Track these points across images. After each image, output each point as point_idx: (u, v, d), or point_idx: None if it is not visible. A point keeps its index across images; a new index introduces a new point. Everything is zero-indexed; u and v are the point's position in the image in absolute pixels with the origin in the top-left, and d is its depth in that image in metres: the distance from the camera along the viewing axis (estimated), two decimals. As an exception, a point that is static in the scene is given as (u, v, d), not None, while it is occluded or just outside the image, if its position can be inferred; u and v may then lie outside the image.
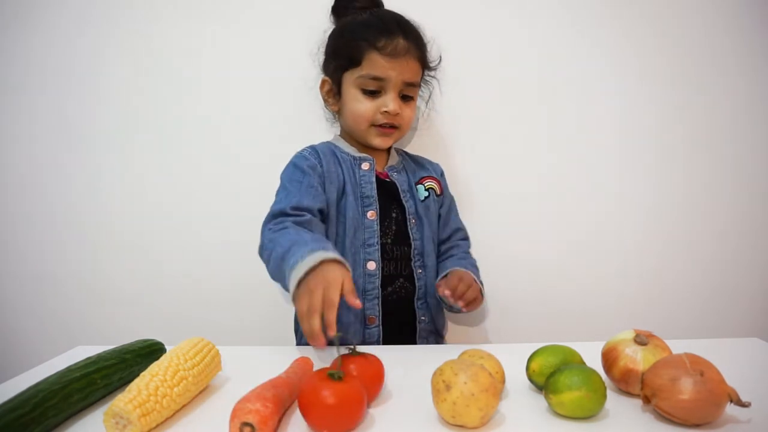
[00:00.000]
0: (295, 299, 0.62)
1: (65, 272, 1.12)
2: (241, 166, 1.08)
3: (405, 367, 0.68)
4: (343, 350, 0.60)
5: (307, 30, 0.96)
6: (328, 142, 0.93)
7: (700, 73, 1.05)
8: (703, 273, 1.08)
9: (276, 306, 1.09)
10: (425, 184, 0.94)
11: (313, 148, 0.89)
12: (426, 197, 0.93)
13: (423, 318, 0.88)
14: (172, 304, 1.11)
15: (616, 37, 1.05)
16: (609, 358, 0.59)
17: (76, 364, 0.59)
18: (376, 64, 0.82)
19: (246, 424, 0.49)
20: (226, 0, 1.05)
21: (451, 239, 0.96)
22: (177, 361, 0.57)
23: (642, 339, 0.59)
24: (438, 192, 0.95)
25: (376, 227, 0.86)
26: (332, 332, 0.56)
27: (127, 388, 0.52)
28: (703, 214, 1.07)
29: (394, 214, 0.88)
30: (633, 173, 1.06)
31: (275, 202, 0.82)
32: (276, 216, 0.77)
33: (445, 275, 0.84)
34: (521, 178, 1.07)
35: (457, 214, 1.00)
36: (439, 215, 0.96)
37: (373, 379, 0.58)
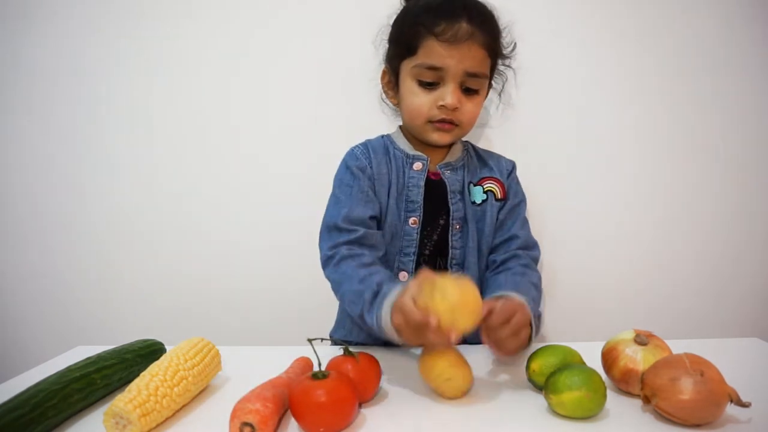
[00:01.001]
0: (399, 335, 0.60)
1: (65, 272, 1.12)
2: (247, 168, 1.08)
3: (403, 367, 0.68)
4: (337, 350, 0.61)
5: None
6: (386, 136, 0.86)
7: (701, 74, 1.04)
8: (703, 273, 1.07)
9: (276, 306, 1.09)
10: (484, 186, 0.83)
11: (365, 145, 0.83)
12: (483, 201, 0.82)
13: None
14: (172, 304, 1.11)
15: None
16: (609, 358, 0.59)
17: (76, 364, 0.59)
18: (432, 51, 0.73)
19: (246, 424, 0.49)
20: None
21: (506, 248, 0.82)
22: (177, 361, 0.57)
23: (642, 339, 0.59)
24: (499, 195, 0.83)
25: (416, 236, 0.79)
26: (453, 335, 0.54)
27: (127, 388, 0.52)
28: (703, 214, 1.07)
29: (441, 221, 0.80)
30: (633, 174, 1.06)
31: (327, 213, 0.78)
32: (330, 230, 0.75)
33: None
34: (528, 177, 1.06)
35: (522, 220, 0.85)
36: (497, 219, 0.83)
37: (369, 378, 0.58)
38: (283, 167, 1.07)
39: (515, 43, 0.83)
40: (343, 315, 0.86)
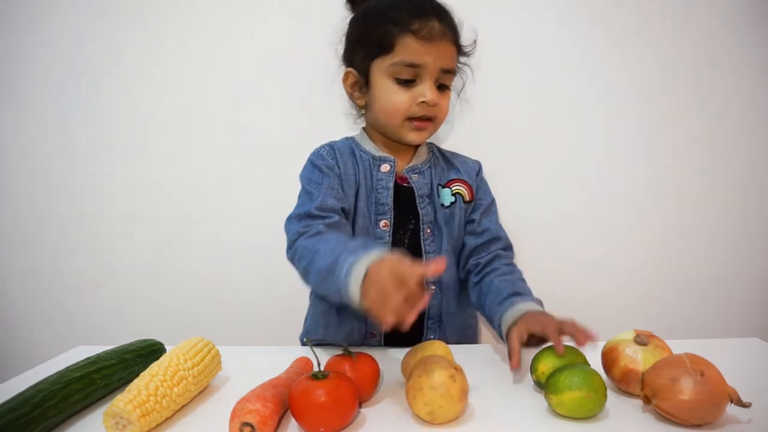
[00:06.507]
0: (362, 298, 0.55)
1: (65, 272, 1.12)
2: (246, 167, 1.08)
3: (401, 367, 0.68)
4: (336, 351, 0.61)
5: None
6: (349, 138, 0.85)
7: (702, 74, 1.04)
8: (703, 273, 1.08)
9: (276, 306, 1.09)
10: (452, 188, 0.84)
11: (330, 146, 0.82)
12: (452, 203, 0.83)
13: (432, 337, 0.81)
14: (172, 304, 1.11)
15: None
16: (609, 358, 0.59)
17: (76, 364, 0.59)
18: (411, 49, 0.73)
19: (246, 424, 0.49)
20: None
21: (487, 249, 0.83)
22: (177, 361, 0.57)
23: (642, 339, 0.59)
24: (467, 198, 0.84)
25: (388, 239, 0.78)
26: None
27: (127, 389, 0.52)
28: (704, 215, 1.07)
29: (411, 226, 0.80)
30: (636, 174, 1.06)
31: (298, 206, 0.77)
32: (302, 218, 0.72)
33: (515, 322, 0.68)
34: (526, 177, 1.06)
35: (496, 220, 0.87)
36: (471, 221, 0.84)
37: (368, 378, 0.58)
38: (281, 168, 1.07)
39: (476, 41, 0.84)
40: (314, 322, 0.84)
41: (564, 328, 0.63)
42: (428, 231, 0.81)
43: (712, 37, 1.03)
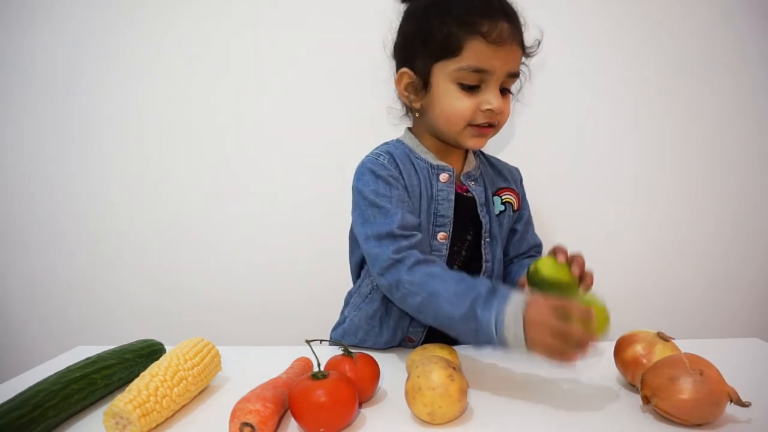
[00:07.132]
0: (532, 346, 0.55)
1: (65, 272, 1.12)
2: (247, 169, 1.08)
3: (401, 367, 0.68)
4: (336, 351, 0.61)
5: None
6: (398, 142, 0.79)
7: (706, 74, 1.04)
8: (703, 274, 1.08)
9: (276, 307, 1.09)
10: (503, 197, 0.82)
11: (389, 153, 0.75)
12: (501, 212, 0.81)
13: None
14: (172, 305, 1.11)
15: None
16: (625, 342, 0.60)
17: (76, 364, 0.59)
18: (480, 53, 0.67)
19: (246, 424, 0.49)
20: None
21: (523, 255, 0.86)
22: (177, 361, 0.57)
23: (665, 336, 0.60)
24: (515, 207, 0.83)
25: (446, 251, 0.75)
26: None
27: (127, 389, 0.52)
28: (704, 215, 1.07)
29: (469, 237, 0.77)
30: (635, 174, 1.06)
31: (373, 223, 0.69)
32: (383, 238, 0.67)
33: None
34: (525, 177, 1.06)
35: (533, 229, 0.88)
36: (515, 230, 0.85)
37: (368, 378, 0.58)
38: (283, 169, 1.07)
39: (539, 41, 0.76)
40: (354, 324, 0.80)
41: (575, 256, 0.69)
42: (487, 239, 0.78)
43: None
